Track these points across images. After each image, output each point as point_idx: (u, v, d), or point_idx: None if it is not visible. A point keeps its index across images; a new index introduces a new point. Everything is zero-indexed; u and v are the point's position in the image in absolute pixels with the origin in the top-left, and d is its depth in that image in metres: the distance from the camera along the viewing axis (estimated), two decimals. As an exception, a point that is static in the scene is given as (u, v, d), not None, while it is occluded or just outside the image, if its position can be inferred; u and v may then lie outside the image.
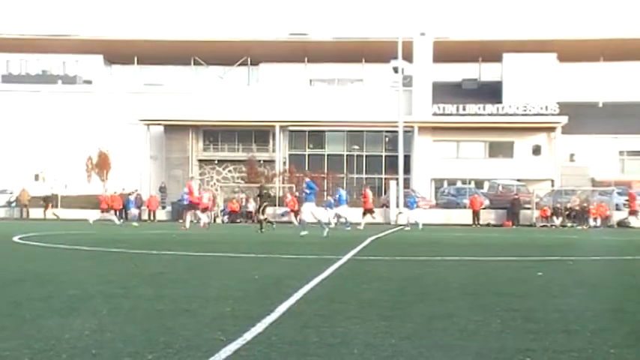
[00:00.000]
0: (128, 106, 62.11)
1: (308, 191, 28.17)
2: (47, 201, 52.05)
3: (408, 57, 59.63)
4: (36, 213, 51.27)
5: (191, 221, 34.47)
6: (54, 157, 59.91)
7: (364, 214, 39.29)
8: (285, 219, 44.99)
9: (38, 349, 5.86)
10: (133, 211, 47.83)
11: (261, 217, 32.19)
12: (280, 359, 5.75)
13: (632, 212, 46.67)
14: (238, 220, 48.58)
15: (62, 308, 8.07)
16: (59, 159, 59.09)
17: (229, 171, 62.57)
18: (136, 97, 64.21)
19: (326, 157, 64.22)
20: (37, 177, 60.25)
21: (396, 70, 55.02)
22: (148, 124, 61.14)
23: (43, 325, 6.97)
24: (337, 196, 38.67)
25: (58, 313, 7.74)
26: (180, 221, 36.54)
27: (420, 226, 38.70)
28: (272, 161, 60.63)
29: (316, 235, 26.01)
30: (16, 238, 22.91)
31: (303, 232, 26.55)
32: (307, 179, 29.45)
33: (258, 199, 33.79)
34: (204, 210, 38.10)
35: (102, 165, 58.40)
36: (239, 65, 72.24)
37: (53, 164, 59.23)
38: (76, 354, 5.72)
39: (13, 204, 53.63)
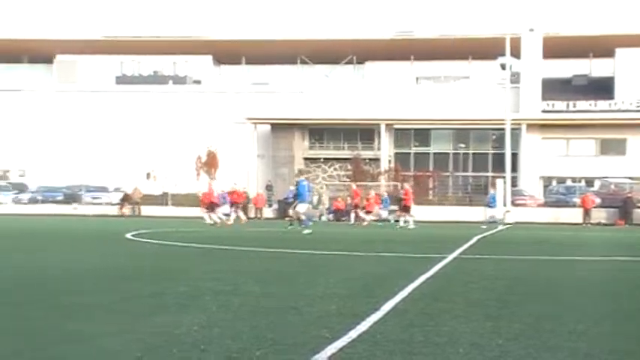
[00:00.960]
0: (236, 105, 63.07)
1: (299, 191, 28.56)
2: (126, 199, 53.67)
3: (516, 53, 58.58)
4: (148, 210, 52.63)
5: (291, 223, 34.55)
6: (164, 156, 61.34)
7: (403, 211, 38.36)
8: (390, 217, 44.85)
9: (150, 345, 6.02)
10: (224, 208, 47.54)
11: (291, 212, 32.26)
12: (385, 357, 5.74)
13: None
14: (344, 219, 48.65)
15: (173, 304, 8.26)
16: (169, 158, 60.48)
17: (335, 169, 62.77)
18: (243, 96, 65.16)
19: (431, 155, 63.68)
20: (148, 176, 61.80)
21: (503, 66, 54.07)
22: (255, 123, 61.94)
23: (155, 320, 7.15)
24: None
25: (169, 309, 7.92)
26: (287, 219, 36.68)
27: (500, 226, 37.67)
28: (377, 159, 60.50)
29: (418, 233, 25.83)
30: (128, 235, 23.57)
31: (307, 231, 26.59)
32: (301, 177, 29.53)
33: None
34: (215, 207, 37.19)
35: (210, 164, 59.45)
36: (345, 64, 72.39)
37: (164, 163, 60.66)
38: (185, 349, 5.85)
39: (125, 202, 55.13)
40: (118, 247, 18.97)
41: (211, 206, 35.46)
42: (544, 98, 61.68)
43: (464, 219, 44.18)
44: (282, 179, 59.35)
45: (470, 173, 62.48)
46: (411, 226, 35.54)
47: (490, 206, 40.66)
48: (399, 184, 54.91)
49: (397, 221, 36.11)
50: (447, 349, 6.04)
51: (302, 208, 28.72)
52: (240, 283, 10.45)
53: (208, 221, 34.21)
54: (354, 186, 46.10)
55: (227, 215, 38.41)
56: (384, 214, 46.06)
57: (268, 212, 52.44)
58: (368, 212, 42.76)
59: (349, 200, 48.82)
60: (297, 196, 29.36)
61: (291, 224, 31.29)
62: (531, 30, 63.44)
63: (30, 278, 10.84)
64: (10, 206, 54.25)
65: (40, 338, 6.15)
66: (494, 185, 46.72)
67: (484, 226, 36.14)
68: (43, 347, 5.84)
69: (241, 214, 41.86)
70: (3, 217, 43.69)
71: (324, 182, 60.08)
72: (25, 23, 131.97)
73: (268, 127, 62.69)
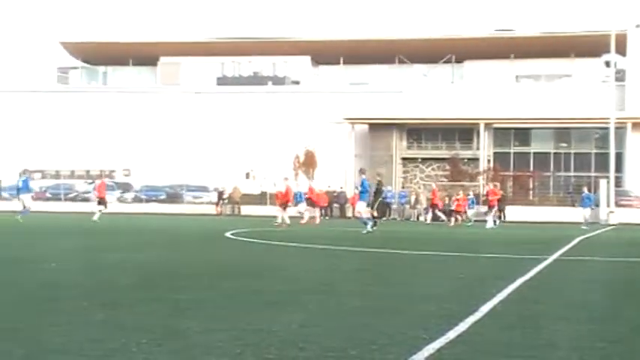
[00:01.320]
0: (334, 105, 63.29)
1: (361, 189, 28.00)
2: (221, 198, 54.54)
3: (621, 50, 57.10)
4: (247, 210, 53.34)
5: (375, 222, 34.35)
6: (263, 155, 62.04)
7: (492, 210, 37.55)
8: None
9: (249, 341, 6.11)
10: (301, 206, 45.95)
11: (375, 213, 31.80)
12: (483, 359, 5.71)
13: None
14: (441, 219, 48.26)
15: (271, 302, 8.36)
16: (268, 158, 61.14)
17: (432, 169, 62.33)
18: (341, 96, 65.36)
19: (532, 155, 62.54)
20: (247, 175, 62.60)
21: (608, 64, 52.83)
22: (353, 123, 62.05)
23: (254, 318, 7.25)
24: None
25: (268, 307, 8.03)
26: (384, 219, 36.60)
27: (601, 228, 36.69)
28: (476, 159, 59.80)
29: (518, 234, 25.42)
30: (228, 234, 23.94)
31: (366, 230, 26.05)
32: (363, 176, 28.85)
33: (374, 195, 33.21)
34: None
35: (308, 163, 59.83)
36: (443, 63, 71.80)
37: (263, 163, 61.36)
38: (284, 347, 5.92)
39: (226, 201, 56.04)
40: (219, 246, 19.29)
41: (284, 205, 35.35)
42: (651, 96, 59.87)
43: (565, 220, 43.27)
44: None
45: (572, 173, 61.10)
46: (489, 225, 34.91)
47: (585, 207, 39.53)
48: (497, 184, 54.24)
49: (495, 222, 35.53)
50: (547, 352, 5.95)
51: (361, 206, 28.41)
52: (338, 282, 10.50)
53: (279, 221, 34.06)
54: (433, 185, 45.83)
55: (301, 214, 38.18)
56: (470, 213, 45.62)
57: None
58: (457, 212, 42.22)
59: (446, 200, 48.46)
60: (361, 194, 28.81)
61: (375, 224, 31.00)
62: (638, 26, 61.63)
63: (135, 276, 11.14)
64: (115, 205, 55.75)
65: (146, 334, 6.32)
66: (589, 185, 45.45)
67: (585, 227, 35.31)
68: (150, 342, 6.00)
69: (316, 214, 40.51)
70: (108, 215, 44.98)
71: (422, 182, 59.71)
72: (130, 27, 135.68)
73: (366, 127, 62.70)
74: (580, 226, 35.44)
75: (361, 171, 30.13)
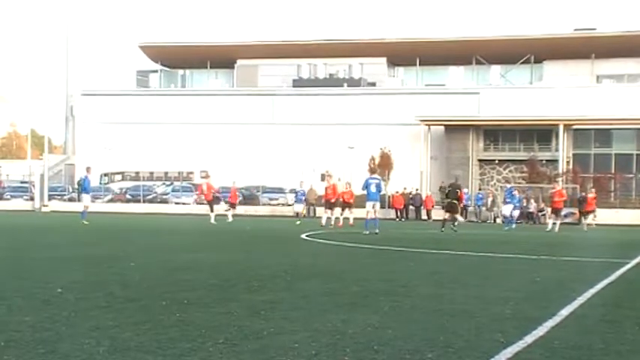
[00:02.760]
0: (410, 106, 63.08)
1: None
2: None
3: None
4: (323, 211, 53.42)
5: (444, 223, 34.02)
6: (339, 157, 62.14)
7: (584, 214, 36.93)
8: (567, 220, 43.50)
9: (324, 343, 6.12)
10: (297, 206, 45.54)
11: (446, 216, 31.34)
12: (562, 365, 5.60)
13: None
14: (519, 221, 47.63)
15: (346, 304, 8.36)
16: (344, 159, 61.22)
17: (510, 171, 61.58)
18: (417, 97, 65.12)
19: (613, 156, 61.28)
20: (323, 177, 62.78)
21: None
22: (429, 124, 61.73)
23: (329, 319, 7.26)
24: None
25: (343, 308, 8.02)
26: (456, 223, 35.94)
27: None
28: (554, 161, 58.90)
29: (598, 237, 24.90)
30: (303, 236, 24.04)
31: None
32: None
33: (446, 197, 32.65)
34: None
35: (384, 165, 59.73)
36: (521, 63, 70.92)
37: (339, 164, 61.48)
38: (359, 349, 5.91)
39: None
40: (294, 247, 19.38)
41: (330, 205, 34.88)
42: None
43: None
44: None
45: (655, 175, 59.68)
46: (549, 228, 34.05)
47: None
48: (577, 186, 53.28)
49: (555, 224, 34.58)
50: (630, 358, 5.81)
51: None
52: (412, 284, 10.44)
53: (323, 222, 33.34)
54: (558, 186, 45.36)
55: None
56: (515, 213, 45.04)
57: (440, 214, 52.02)
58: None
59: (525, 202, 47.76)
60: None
61: (446, 226, 30.60)
62: None
63: (211, 276, 11.26)
64: (193, 206, 56.54)
65: (222, 334, 6.38)
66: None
67: None
68: (226, 343, 6.05)
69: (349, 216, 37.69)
70: (185, 216, 45.68)
71: (499, 184, 59.02)
72: (207, 30, 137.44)
73: (442, 128, 62.31)
74: None
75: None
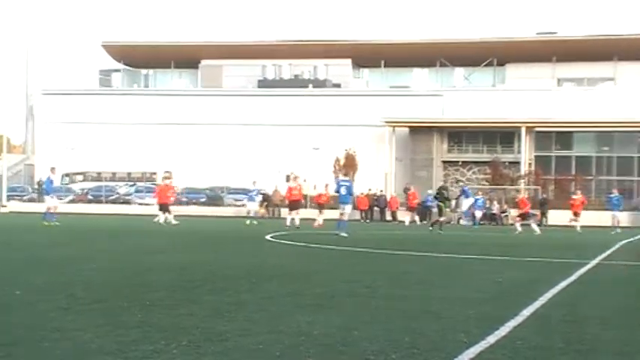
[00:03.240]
0: (374, 108, 63.23)
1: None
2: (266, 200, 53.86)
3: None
4: (287, 213, 53.31)
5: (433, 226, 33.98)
6: (304, 158, 62.10)
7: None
8: (529, 221, 43.83)
9: (288, 344, 6.10)
10: (251, 205, 42.93)
11: (441, 218, 31.74)
12: (525, 365, 5.64)
13: None
14: (482, 222, 47.98)
15: (311, 305, 8.35)
16: (309, 160, 61.19)
17: (473, 172, 61.99)
18: (382, 99, 65.29)
19: (574, 158, 61.98)
20: (287, 178, 62.66)
21: (651, 66, 52.07)
22: (394, 126, 61.93)
23: (293, 320, 7.24)
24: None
25: (307, 309, 8.02)
26: (424, 222, 36.34)
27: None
28: (517, 163, 59.40)
29: (560, 238, 25.12)
30: (268, 237, 24.00)
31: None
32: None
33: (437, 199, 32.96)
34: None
35: (349, 166, 59.79)
36: (485, 66, 71.45)
37: (303, 165, 61.42)
38: (323, 350, 5.90)
39: (266, 203, 56.00)
40: (258, 248, 19.33)
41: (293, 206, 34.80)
42: (695, 99, 59.10)
43: (607, 224, 42.73)
44: (420, 182, 59.08)
45: (614, 177, 60.38)
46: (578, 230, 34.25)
47: (614, 210, 38.42)
48: (539, 187, 53.79)
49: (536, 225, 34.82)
50: (590, 357, 5.87)
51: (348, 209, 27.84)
52: (377, 285, 10.47)
53: (288, 223, 33.06)
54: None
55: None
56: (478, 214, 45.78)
57: (404, 216, 52.20)
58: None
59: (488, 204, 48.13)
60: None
61: (432, 228, 30.98)
62: (682, 28, 60.77)
63: (175, 278, 11.20)
64: (156, 207, 56.09)
65: (186, 336, 6.34)
66: (620, 188, 44.32)
67: (613, 232, 34.26)
68: (190, 344, 6.02)
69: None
70: (149, 217, 45.33)
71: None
72: (171, 30, 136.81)
73: (407, 130, 62.55)
74: (610, 232, 34.65)
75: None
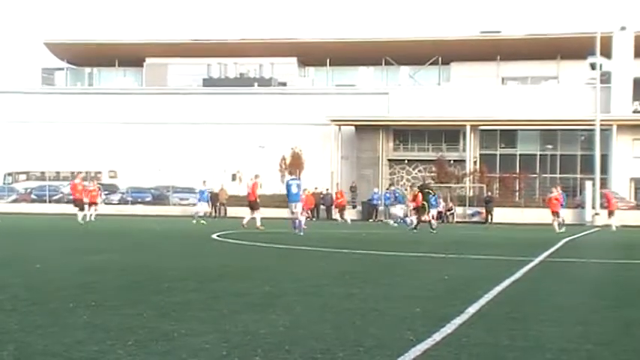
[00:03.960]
0: (320, 106, 63.31)
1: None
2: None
3: (606, 52, 57.39)
4: (234, 211, 53.16)
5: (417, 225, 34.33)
6: (250, 157, 61.98)
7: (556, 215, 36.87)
8: (475, 219, 44.41)
9: (235, 343, 6.09)
10: (200, 206, 41.46)
11: (424, 217, 31.95)
12: (470, 361, 5.70)
13: None
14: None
15: (257, 304, 8.34)
16: (255, 159, 61.07)
17: (419, 171, 62.45)
18: (327, 97, 65.41)
19: (518, 156, 62.83)
20: (234, 177, 62.51)
21: (593, 66, 53.10)
22: (340, 125, 62.09)
23: (240, 319, 7.23)
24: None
25: (254, 308, 8.01)
26: (371, 221, 36.39)
27: (613, 228, 36.97)
28: (462, 161, 60.00)
29: (503, 236, 25.41)
30: (214, 236, 23.90)
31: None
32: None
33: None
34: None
35: (295, 164, 59.81)
36: (430, 65, 72.01)
37: (249, 164, 61.28)
38: (270, 349, 5.90)
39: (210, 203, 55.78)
40: (204, 248, 19.25)
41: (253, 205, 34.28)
42: (635, 98, 60.22)
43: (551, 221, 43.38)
44: (366, 181, 59.37)
45: (558, 175, 61.37)
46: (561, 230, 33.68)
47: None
48: (484, 185, 54.42)
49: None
50: (535, 354, 5.95)
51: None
52: (323, 284, 10.49)
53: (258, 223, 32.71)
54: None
55: None
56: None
57: (352, 214, 52.44)
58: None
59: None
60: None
61: (415, 228, 30.99)
62: (623, 28, 61.98)
63: (120, 278, 11.10)
64: (101, 207, 55.50)
65: (132, 336, 6.29)
66: (555, 186, 44.28)
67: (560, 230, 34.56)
68: (136, 344, 5.97)
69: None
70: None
71: (408, 184, 59.80)
72: (115, 28, 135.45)
73: (352, 128, 62.77)
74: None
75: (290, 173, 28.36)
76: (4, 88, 72.15)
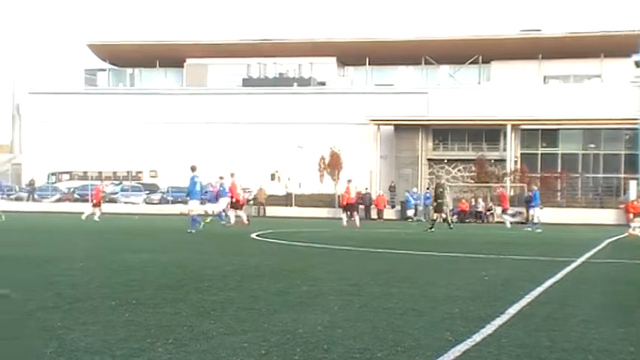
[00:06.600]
0: (359, 106, 63.22)
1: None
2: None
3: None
4: (273, 211, 53.37)
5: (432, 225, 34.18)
6: (289, 157, 62.07)
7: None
8: (515, 219, 44.05)
9: (274, 343, 6.11)
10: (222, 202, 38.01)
11: (435, 216, 31.95)
12: (510, 362, 5.66)
13: None
14: (467, 220, 48.14)
15: (296, 303, 8.36)
16: (294, 159, 61.16)
17: (459, 170, 62.10)
18: (367, 97, 65.28)
19: (560, 156, 62.18)
20: (272, 176, 62.66)
21: (638, 64, 52.32)
22: (379, 124, 61.95)
23: (279, 319, 7.25)
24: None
25: (293, 308, 8.02)
26: (409, 220, 36.35)
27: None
28: (502, 160, 59.54)
29: (545, 236, 25.20)
30: (254, 235, 23.97)
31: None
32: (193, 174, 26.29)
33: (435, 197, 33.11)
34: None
35: (334, 164, 59.80)
36: (470, 64, 71.55)
37: (288, 164, 61.41)
38: (309, 349, 5.90)
39: (251, 202, 56.14)
40: (244, 247, 19.31)
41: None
42: (681, 97, 59.39)
43: (594, 221, 42.92)
44: (404, 180, 59.16)
45: (600, 175, 60.67)
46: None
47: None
48: (525, 185, 53.97)
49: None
50: (576, 355, 5.89)
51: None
52: (362, 283, 10.47)
53: (344, 223, 33.54)
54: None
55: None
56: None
57: (390, 213, 52.34)
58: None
59: (472, 202, 48.30)
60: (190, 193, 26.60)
61: (432, 228, 31.01)
62: (667, 26, 60.98)
63: (161, 277, 11.18)
64: (142, 206, 56.10)
65: (171, 334, 6.33)
66: (631, 187, 43.55)
67: (529, 229, 34.22)
68: (175, 343, 6.01)
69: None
70: (134, 215, 45.31)
71: (448, 184, 59.52)
72: (156, 29, 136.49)
73: (391, 128, 62.59)
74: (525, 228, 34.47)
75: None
76: (48, 89, 73.08)
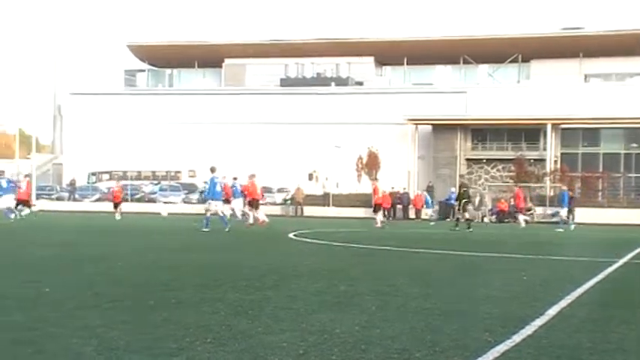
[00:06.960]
0: (397, 106, 63.03)
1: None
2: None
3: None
4: (310, 211, 53.40)
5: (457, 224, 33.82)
6: (327, 156, 62.05)
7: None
8: (555, 219, 43.60)
9: (312, 342, 6.11)
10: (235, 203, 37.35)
11: (459, 215, 31.75)
12: (549, 364, 5.60)
13: None
14: (506, 220, 47.73)
15: (334, 303, 8.35)
16: (331, 158, 61.16)
17: (498, 170, 61.64)
18: (404, 97, 65.05)
19: (601, 155, 61.45)
20: (310, 176, 62.69)
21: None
22: (417, 124, 61.73)
23: (317, 319, 7.25)
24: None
25: (331, 308, 8.02)
26: (448, 220, 36.15)
27: None
28: (542, 160, 58.98)
29: (586, 237, 24.90)
30: (291, 235, 24.00)
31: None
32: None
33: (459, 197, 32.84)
34: None
35: (371, 164, 59.68)
36: (509, 62, 71.04)
37: (326, 164, 61.39)
38: (346, 349, 5.90)
39: (289, 202, 56.22)
40: (281, 246, 19.35)
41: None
42: None
43: (636, 222, 42.32)
44: (442, 180, 58.87)
45: (643, 174, 59.83)
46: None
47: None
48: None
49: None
50: (617, 357, 5.82)
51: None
52: (400, 283, 10.44)
53: (377, 225, 33.43)
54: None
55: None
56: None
57: (428, 213, 52.08)
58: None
59: (512, 202, 47.81)
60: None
61: (456, 226, 30.96)
62: None
63: (199, 276, 11.24)
64: (181, 206, 56.40)
65: (210, 333, 6.36)
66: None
67: (560, 229, 33.69)
68: (214, 342, 6.04)
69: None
70: (173, 216, 45.69)
71: (487, 183, 59.11)
72: (195, 29, 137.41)
73: (430, 127, 62.34)
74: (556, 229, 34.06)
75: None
76: (89, 89, 73.90)
